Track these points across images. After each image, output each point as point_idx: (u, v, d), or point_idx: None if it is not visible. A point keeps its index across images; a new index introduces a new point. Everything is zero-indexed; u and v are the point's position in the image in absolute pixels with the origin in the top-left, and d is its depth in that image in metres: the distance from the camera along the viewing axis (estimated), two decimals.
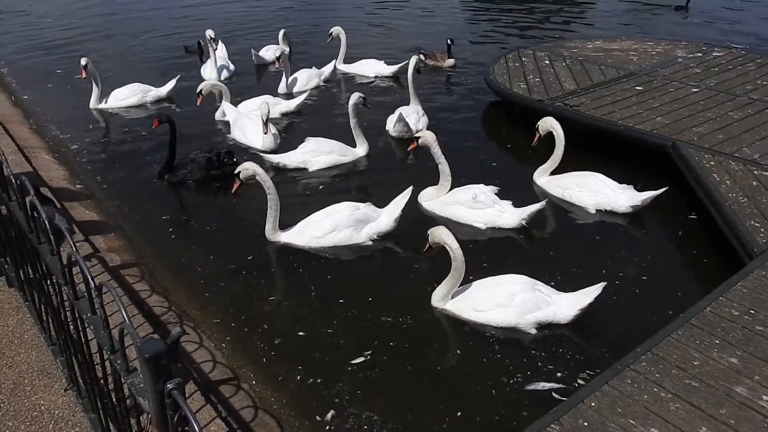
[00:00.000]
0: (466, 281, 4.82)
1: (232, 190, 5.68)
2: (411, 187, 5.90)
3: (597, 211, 6.16)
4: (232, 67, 10.67)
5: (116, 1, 16.86)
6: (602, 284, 4.51)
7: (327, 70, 10.34)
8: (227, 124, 8.29)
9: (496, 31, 13.43)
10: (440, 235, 4.72)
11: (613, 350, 4.25)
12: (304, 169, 7.13)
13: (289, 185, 6.89)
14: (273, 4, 16.69)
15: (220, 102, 8.46)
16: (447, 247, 4.68)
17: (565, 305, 4.54)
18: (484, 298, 4.66)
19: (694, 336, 3.95)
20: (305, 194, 6.71)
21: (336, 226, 5.64)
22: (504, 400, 4.01)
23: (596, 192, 6.19)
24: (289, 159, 7.17)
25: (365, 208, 5.80)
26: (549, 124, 6.55)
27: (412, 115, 8.12)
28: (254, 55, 11.05)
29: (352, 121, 7.32)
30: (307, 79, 9.82)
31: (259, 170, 5.58)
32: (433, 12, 15.54)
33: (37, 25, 13.81)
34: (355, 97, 7.23)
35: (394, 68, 10.47)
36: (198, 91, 8.15)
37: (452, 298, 4.82)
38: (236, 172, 5.63)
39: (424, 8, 15.98)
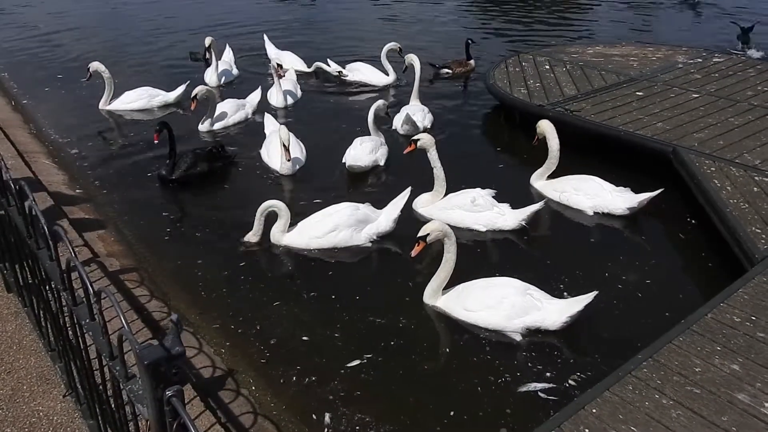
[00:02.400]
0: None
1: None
2: (410, 188, 5.95)
3: (594, 213, 6.17)
4: (235, 71, 10.64)
5: (121, 7, 16.86)
6: (594, 293, 4.49)
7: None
8: (213, 133, 8.34)
9: (496, 36, 13.45)
10: (442, 227, 4.77)
11: (613, 355, 4.22)
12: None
13: (291, 187, 6.91)
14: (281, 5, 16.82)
15: (210, 111, 8.34)
16: (446, 239, 4.75)
17: (554, 311, 4.53)
18: (474, 298, 4.69)
19: (696, 342, 3.94)
20: (307, 195, 6.69)
21: (336, 226, 5.64)
22: (502, 400, 4.02)
23: (593, 195, 6.20)
24: (365, 160, 7.12)
25: (365, 209, 5.81)
26: (544, 128, 6.55)
27: (418, 113, 8.25)
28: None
29: (372, 126, 7.49)
30: (294, 88, 9.69)
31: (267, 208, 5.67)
32: (432, 17, 15.56)
33: (37, 30, 13.80)
34: (380, 103, 7.51)
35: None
36: (193, 96, 8.15)
37: (444, 295, 4.86)
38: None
39: (423, 13, 16.00)
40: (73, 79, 10.24)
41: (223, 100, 8.93)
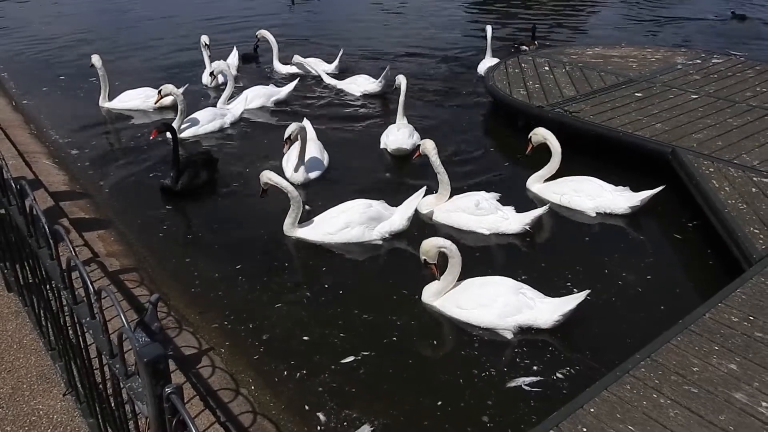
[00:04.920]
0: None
1: (260, 195, 5.85)
2: (425, 187, 5.98)
3: (597, 214, 6.18)
4: (234, 71, 10.64)
5: (122, 6, 16.85)
6: (586, 291, 4.53)
7: (285, 90, 9.47)
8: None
9: (495, 37, 13.42)
10: (438, 243, 4.75)
11: (610, 354, 4.24)
12: None
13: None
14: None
15: (178, 115, 7.99)
16: (446, 250, 4.75)
17: (546, 310, 4.56)
18: (468, 296, 4.73)
19: (694, 342, 3.95)
20: (323, 190, 6.72)
21: (349, 223, 5.68)
22: (492, 396, 4.06)
23: (594, 196, 6.21)
24: (408, 143, 7.43)
25: (378, 206, 5.83)
26: (542, 135, 6.55)
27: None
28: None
29: (402, 102, 7.86)
30: (254, 98, 9.16)
31: (274, 177, 5.69)
32: (432, 16, 15.58)
33: (37, 30, 13.82)
34: (403, 78, 7.90)
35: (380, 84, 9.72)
36: (158, 90, 8.14)
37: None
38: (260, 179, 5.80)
39: (422, 12, 16.02)
40: (74, 79, 10.27)
41: (217, 101, 8.93)
